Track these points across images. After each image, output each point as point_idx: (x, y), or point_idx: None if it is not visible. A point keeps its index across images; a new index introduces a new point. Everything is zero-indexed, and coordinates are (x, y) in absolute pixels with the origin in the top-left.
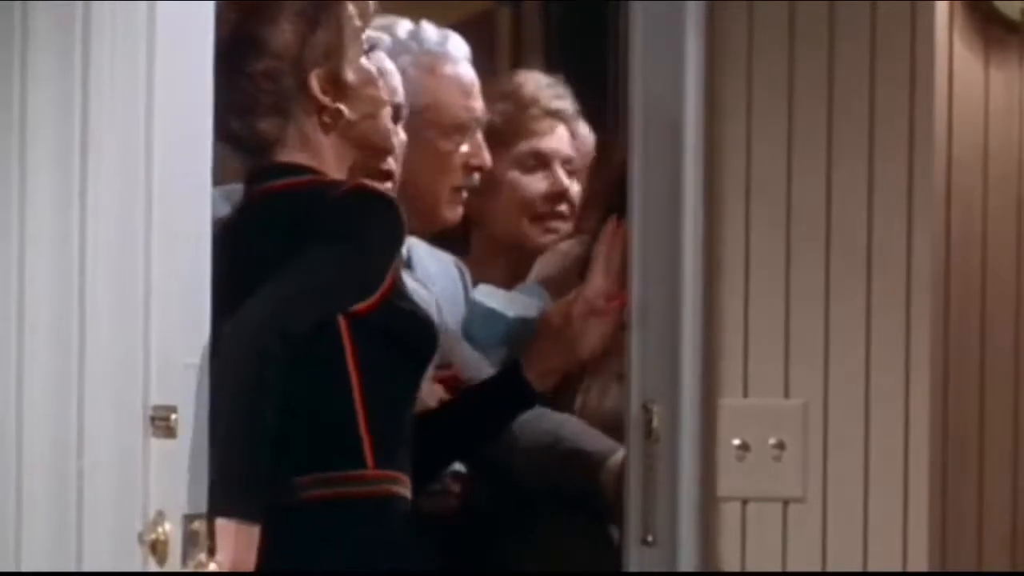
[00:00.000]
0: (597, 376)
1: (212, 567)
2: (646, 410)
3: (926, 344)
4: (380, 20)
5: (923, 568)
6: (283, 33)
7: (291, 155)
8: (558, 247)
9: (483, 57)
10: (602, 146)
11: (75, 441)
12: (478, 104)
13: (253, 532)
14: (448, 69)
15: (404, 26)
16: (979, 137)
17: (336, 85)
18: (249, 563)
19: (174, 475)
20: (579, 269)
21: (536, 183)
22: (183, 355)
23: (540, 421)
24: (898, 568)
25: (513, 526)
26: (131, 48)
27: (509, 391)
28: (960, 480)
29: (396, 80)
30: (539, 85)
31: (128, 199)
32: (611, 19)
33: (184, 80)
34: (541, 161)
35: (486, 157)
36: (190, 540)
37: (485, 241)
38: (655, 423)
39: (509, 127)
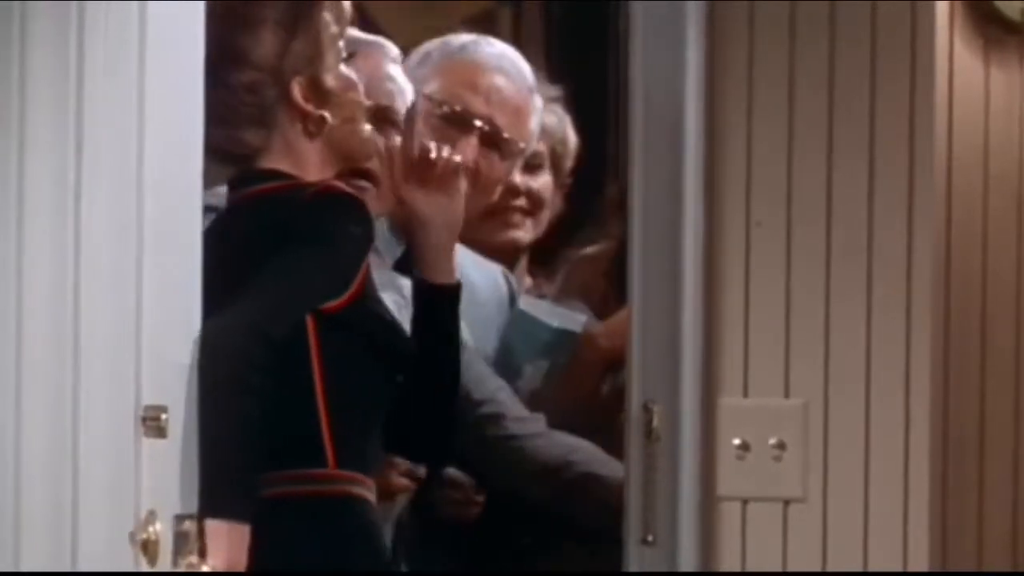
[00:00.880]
0: None
1: (205, 568)
2: (646, 410)
3: (926, 344)
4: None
5: (923, 568)
6: (263, 43)
7: (274, 162)
8: (584, 252)
9: None
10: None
11: (70, 441)
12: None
13: (244, 531)
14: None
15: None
16: (979, 137)
17: (318, 92)
18: (241, 563)
19: (165, 475)
20: (607, 274)
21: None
22: (174, 355)
23: (551, 446)
24: (898, 568)
25: (523, 548)
26: (122, 49)
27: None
28: (961, 480)
29: (396, 84)
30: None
31: (120, 200)
32: (611, 19)
33: (175, 81)
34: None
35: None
36: (180, 540)
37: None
38: (655, 423)
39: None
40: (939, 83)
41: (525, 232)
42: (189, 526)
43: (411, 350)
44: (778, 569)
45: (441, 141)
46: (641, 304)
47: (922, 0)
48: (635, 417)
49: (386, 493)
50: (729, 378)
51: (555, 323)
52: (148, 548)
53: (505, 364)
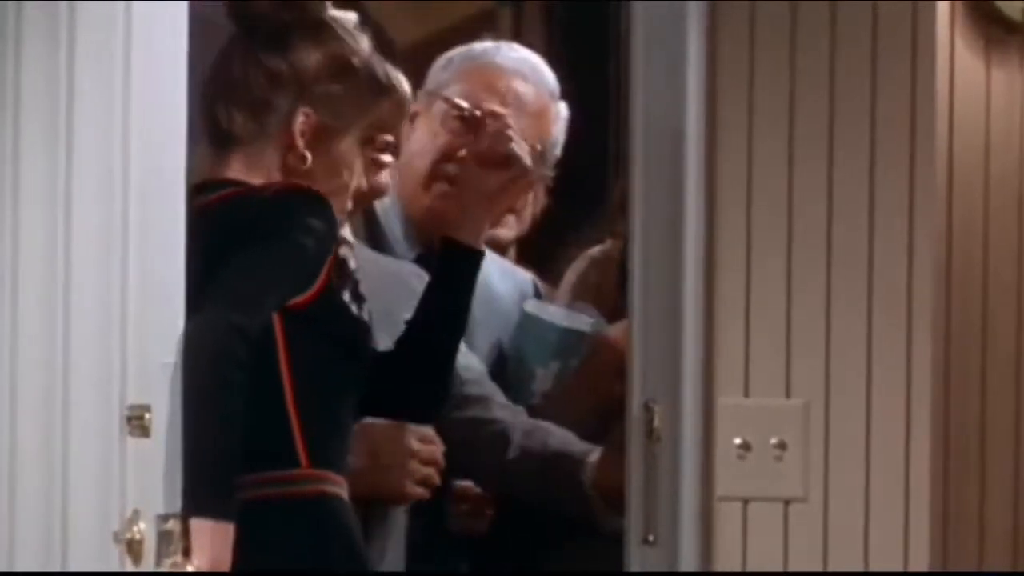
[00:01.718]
0: None
1: (189, 568)
2: (647, 409)
3: (927, 343)
4: None
5: (924, 568)
6: (310, 57)
7: (237, 172)
8: (589, 252)
9: None
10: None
11: (56, 441)
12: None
13: (228, 530)
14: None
15: None
16: (980, 137)
17: (316, 137)
18: (225, 562)
19: (149, 474)
20: (614, 273)
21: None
22: (158, 354)
23: (535, 431)
24: (899, 568)
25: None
26: (107, 44)
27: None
28: (961, 480)
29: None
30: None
31: (105, 198)
32: (612, 19)
33: (158, 78)
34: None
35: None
36: (163, 539)
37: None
38: (656, 422)
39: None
40: (940, 83)
41: (508, 229)
42: (173, 525)
43: (375, 346)
44: (779, 569)
45: (458, 143)
46: (642, 304)
47: (923, 0)
48: (636, 417)
49: (400, 500)
50: (730, 378)
51: (563, 323)
52: (133, 547)
53: (516, 367)
